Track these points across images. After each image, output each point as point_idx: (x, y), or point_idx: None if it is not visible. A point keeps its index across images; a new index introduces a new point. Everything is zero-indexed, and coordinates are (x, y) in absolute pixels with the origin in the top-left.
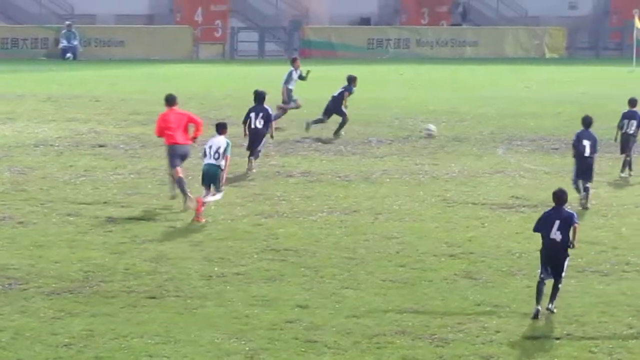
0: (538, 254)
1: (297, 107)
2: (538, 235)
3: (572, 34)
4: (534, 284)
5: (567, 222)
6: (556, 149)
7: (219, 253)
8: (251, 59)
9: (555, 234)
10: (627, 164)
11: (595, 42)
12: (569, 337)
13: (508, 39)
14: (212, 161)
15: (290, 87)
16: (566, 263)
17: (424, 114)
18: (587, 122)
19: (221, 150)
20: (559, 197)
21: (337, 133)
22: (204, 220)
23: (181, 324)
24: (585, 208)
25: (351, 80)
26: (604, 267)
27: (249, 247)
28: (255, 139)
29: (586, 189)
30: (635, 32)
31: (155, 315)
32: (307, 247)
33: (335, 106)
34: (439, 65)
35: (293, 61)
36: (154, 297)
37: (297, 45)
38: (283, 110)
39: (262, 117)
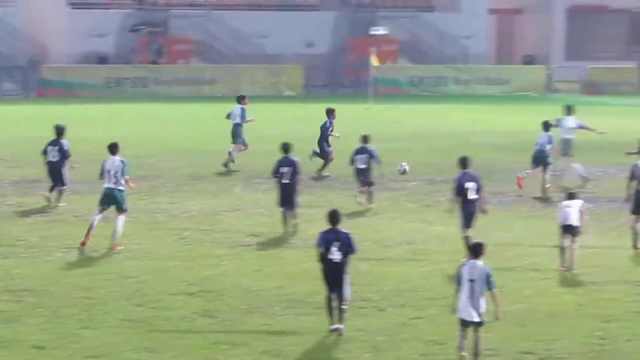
0: (276, 290)
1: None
2: (276, 272)
3: (309, 71)
4: (273, 321)
5: (345, 243)
6: None
7: None
8: None
9: (334, 254)
10: (368, 195)
11: (332, 80)
12: None
13: (246, 77)
14: (112, 185)
15: (239, 122)
16: (346, 281)
17: (162, 152)
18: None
19: (119, 174)
20: (333, 217)
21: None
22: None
23: None
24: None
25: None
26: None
27: None
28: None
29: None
30: (371, 69)
31: None
32: (44, 288)
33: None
34: (177, 104)
35: (241, 99)
36: None
37: (34, 84)
38: (244, 147)
39: (58, 151)
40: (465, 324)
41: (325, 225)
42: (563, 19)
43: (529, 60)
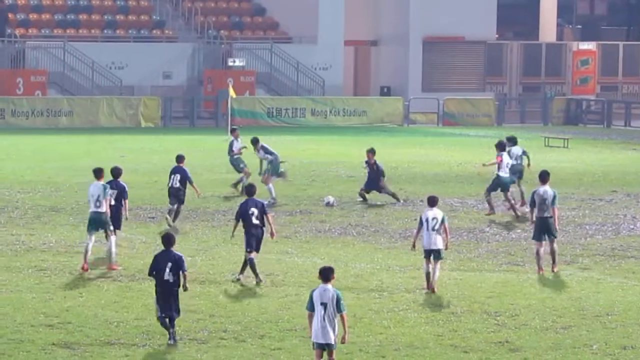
0: (135, 322)
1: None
2: (136, 303)
3: (166, 103)
4: (133, 353)
5: (178, 265)
6: (152, 217)
7: None
8: None
9: (168, 275)
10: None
11: (190, 111)
12: None
13: (103, 109)
14: (95, 209)
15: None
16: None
17: (20, 184)
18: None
19: (101, 198)
20: (168, 240)
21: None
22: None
23: None
24: None
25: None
26: (201, 335)
27: None
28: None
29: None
30: (229, 100)
31: None
32: None
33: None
34: (34, 136)
35: (232, 131)
36: None
37: None
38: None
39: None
40: (320, 346)
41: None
42: (419, 50)
43: (385, 92)
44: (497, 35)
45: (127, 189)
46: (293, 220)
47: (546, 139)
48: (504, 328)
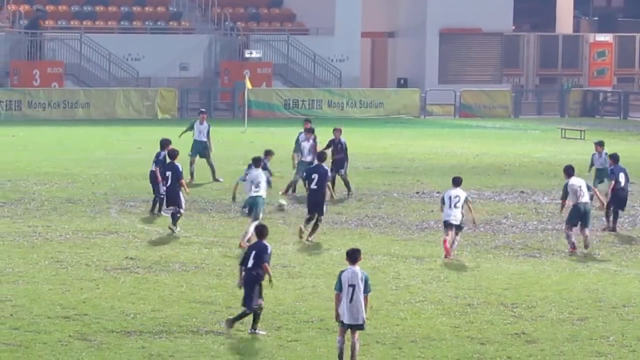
0: (152, 314)
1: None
2: (152, 295)
3: (183, 94)
4: (149, 345)
5: (259, 255)
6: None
7: None
8: None
9: (251, 264)
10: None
11: (206, 103)
12: None
13: (119, 101)
14: (253, 193)
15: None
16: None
17: (37, 175)
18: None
19: (262, 183)
20: (260, 231)
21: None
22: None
23: None
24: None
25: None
26: (218, 327)
27: None
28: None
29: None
30: (246, 92)
31: None
32: None
33: None
34: (51, 127)
35: (200, 114)
36: None
37: None
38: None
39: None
40: (345, 326)
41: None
42: (436, 42)
43: (402, 84)
44: (513, 27)
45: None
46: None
47: (563, 131)
48: (520, 320)
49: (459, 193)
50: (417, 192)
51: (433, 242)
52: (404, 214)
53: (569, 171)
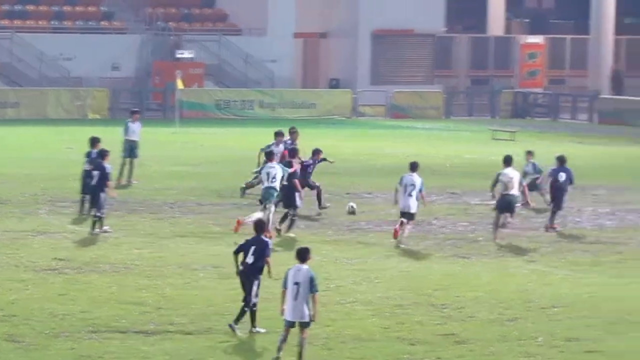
0: (81, 315)
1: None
2: (82, 296)
3: (115, 95)
4: (78, 346)
5: (261, 249)
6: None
7: None
8: None
9: (250, 258)
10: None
11: (138, 103)
12: None
13: (50, 100)
14: (268, 184)
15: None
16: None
17: None
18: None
19: (278, 176)
20: (259, 226)
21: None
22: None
23: None
24: None
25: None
26: (148, 328)
27: None
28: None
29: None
30: (177, 93)
31: None
32: None
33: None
34: None
35: (133, 113)
36: None
37: None
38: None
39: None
40: (288, 323)
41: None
42: (368, 43)
43: (334, 84)
44: (446, 29)
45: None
46: (241, 213)
47: (493, 132)
48: (450, 320)
49: (415, 181)
50: (348, 193)
51: (363, 242)
52: (334, 215)
53: (507, 161)
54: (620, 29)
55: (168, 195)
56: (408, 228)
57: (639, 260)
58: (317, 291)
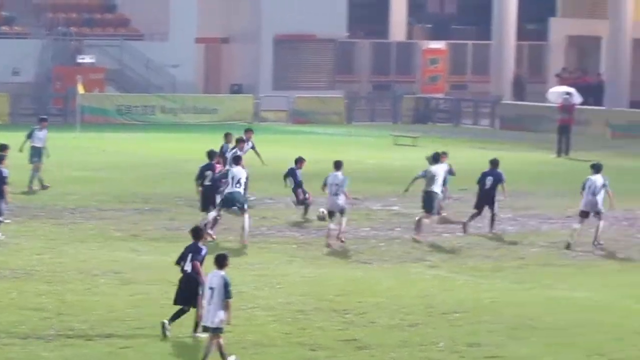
0: None
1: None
2: None
3: (15, 100)
4: None
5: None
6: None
7: None
8: None
9: (188, 266)
10: None
11: (39, 108)
12: None
13: None
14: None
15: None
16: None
17: None
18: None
19: (242, 180)
20: (195, 233)
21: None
22: None
23: None
24: None
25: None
26: (48, 334)
27: None
28: None
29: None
30: (78, 98)
31: None
32: None
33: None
34: None
35: (41, 121)
36: None
37: None
38: None
39: None
40: (204, 329)
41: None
42: (270, 48)
43: (236, 90)
44: (348, 34)
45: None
46: (142, 218)
47: (395, 138)
48: (351, 326)
49: (338, 180)
50: (250, 198)
51: (265, 248)
52: (235, 220)
53: (435, 157)
54: (522, 34)
55: (69, 200)
56: (343, 223)
57: (541, 265)
58: (230, 297)
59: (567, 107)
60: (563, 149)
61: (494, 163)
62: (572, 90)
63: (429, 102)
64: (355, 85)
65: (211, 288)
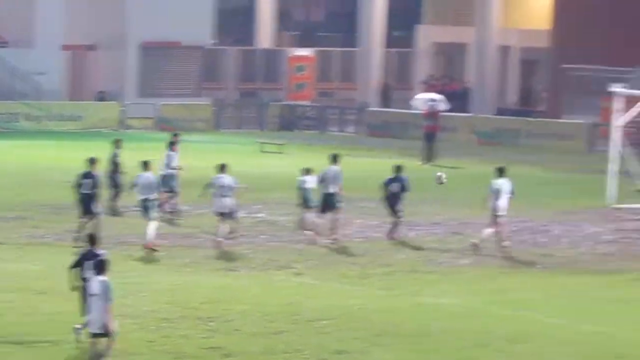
0: None
1: None
2: None
3: None
4: None
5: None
6: None
7: None
8: None
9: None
10: None
11: None
12: None
13: None
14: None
15: None
16: None
17: None
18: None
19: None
20: (92, 239)
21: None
22: None
23: None
24: None
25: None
26: None
27: None
28: None
29: None
30: None
31: None
32: None
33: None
34: None
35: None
36: None
37: None
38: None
39: None
40: (91, 335)
41: None
42: (136, 55)
43: (102, 97)
44: (215, 41)
45: None
46: (6, 226)
47: (262, 145)
48: (217, 334)
49: (227, 182)
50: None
51: (129, 256)
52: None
53: (334, 158)
54: (389, 42)
55: None
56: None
57: (407, 272)
58: (110, 301)
59: (432, 114)
60: (429, 155)
61: (398, 169)
62: (437, 97)
63: (295, 109)
64: (222, 93)
65: (92, 295)
